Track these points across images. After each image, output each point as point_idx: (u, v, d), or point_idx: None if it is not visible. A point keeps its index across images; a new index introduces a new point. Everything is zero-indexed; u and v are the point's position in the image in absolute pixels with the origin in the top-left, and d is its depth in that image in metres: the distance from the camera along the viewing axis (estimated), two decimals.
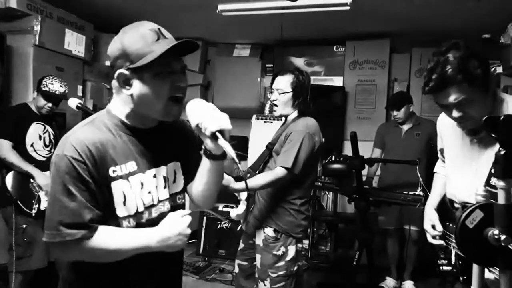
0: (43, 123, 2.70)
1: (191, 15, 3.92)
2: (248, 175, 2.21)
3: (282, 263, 2.06)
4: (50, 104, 2.66)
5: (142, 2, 3.64)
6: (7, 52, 3.12)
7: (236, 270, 2.31)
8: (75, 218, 1.01)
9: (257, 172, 2.22)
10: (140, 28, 1.08)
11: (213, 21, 4.04)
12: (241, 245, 2.30)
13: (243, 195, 2.16)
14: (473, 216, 1.10)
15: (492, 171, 1.28)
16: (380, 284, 3.49)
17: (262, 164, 2.21)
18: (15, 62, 3.17)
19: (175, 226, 1.07)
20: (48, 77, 2.68)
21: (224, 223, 3.94)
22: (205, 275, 3.52)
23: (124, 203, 1.09)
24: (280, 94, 2.13)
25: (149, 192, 1.15)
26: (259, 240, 2.13)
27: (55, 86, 2.65)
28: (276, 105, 2.17)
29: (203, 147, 1.16)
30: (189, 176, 1.28)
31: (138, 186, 1.12)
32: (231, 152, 1.06)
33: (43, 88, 2.62)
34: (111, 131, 1.11)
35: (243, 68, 4.77)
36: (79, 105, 2.34)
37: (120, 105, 1.14)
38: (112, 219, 1.08)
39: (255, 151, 3.95)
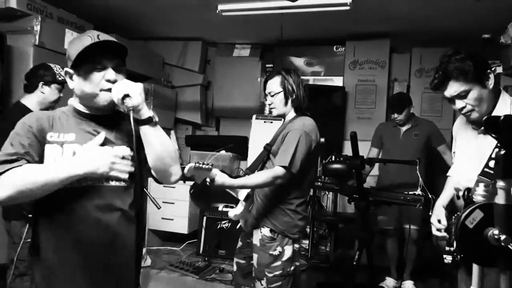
0: None
1: (191, 15, 3.92)
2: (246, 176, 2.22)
3: (278, 263, 2.06)
4: (61, 95, 2.55)
5: (142, 2, 3.64)
6: (7, 52, 3.12)
7: (235, 268, 2.32)
8: (7, 157, 1.22)
9: (255, 172, 2.22)
10: (82, 35, 1.32)
11: (213, 21, 4.04)
12: (239, 244, 2.31)
13: (242, 195, 2.17)
14: (473, 216, 1.10)
15: (493, 155, 1.42)
16: (380, 284, 3.49)
17: (260, 165, 2.21)
18: (15, 62, 3.17)
19: (98, 152, 1.24)
20: (53, 67, 2.55)
21: (224, 223, 3.94)
22: (205, 275, 3.52)
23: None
24: (272, 96, 2.18)
25: None
26: (256, 240, 2.13)
27: (63, 71, 2.57)
28: (272, 108, 2.21)
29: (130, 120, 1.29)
30: (144, 161, 1.37)
31: (70, 154, 1.28)
32: (129, 103, 1.23)
33: (59, 78, 2.49)
34: (62, 113, 1.36)
35: (243, 68, 4.77)
36: None
37: (73, 97, 1.39)
38: None
39: (255, 151, 3.95)
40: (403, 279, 3.47)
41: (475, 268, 1.16)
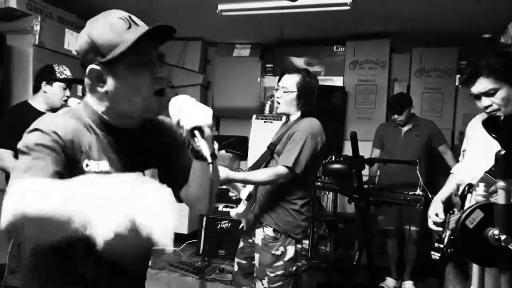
0: None
1: (191, 15, 3.92)
2: None
3: (280, 263, 2.06)
4: (68, 93, 2.53)
5: (142, 2, 3.64)
6: (7, 52, 3.13)
7: (236, 268, 2.31)
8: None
9: None
10: (109, 17, 0.98)
11: (213, 21, 4.04)
12: (241, 244, 2.30)
13: (244, 195, 2.16)
14: (473, 216, 1.10)
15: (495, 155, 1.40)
16: (380, 284, 3.49)
17: (263, 164, 2.20)
18: (15, 62, 3.17)
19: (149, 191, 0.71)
20: (55, 66, 2.54)
21: (224, 223, 3.94)
22: (205, 275, 3.52)
23: None
24: (284, 92, 2.13)
25: None
26: (258, 239, 2.12)
27: (68, 71, 2.55)
28: (279, 102, 2.16)
29: (190, 147, 1.05)
30: (171, 181, 1.16)
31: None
32: (205, 151, 0.92)
33: (60, 77, 2.49)
34: (86, 126, 1.01)
35: (243, 68, 4.77)
36: None
37: (95, 101, 1.03)
38: None
39: (255, 151, 3.95)
40: (403, 279, 3.47)
41: (475, 268, 1.16)
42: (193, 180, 1.13)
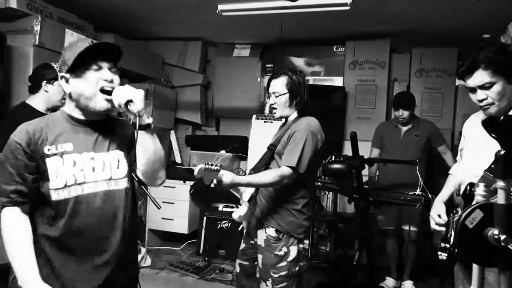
0: None
1: (191, 15, 3.92)
2: None
3: (284, 263, 2.06)
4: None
5: (142, 2, 3.64)
6: (7, 52, 3.12)
7: (237, 269, 2.31)
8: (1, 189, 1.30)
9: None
10: (77, 42, 1.38)
11: (213, 21, 4.04)
12: (242, 245, 2.30)
13: (245, 196, 2.16)
14: (473, 216, 1.10)
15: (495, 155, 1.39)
16: (380, 284, 3.49)
17: (264, 165, 2.20)
18: (15, 62, 3.16)
19: None
20: (55, 65, 2.42)
21: (224, 223, 3.95)
22: (205, 275, 3.52)
23: (56, 177, 1.30)
24: (277, 97, 2.14)
25: (81, 170, 1.33)
26: (260, 240, 2.12)
27: None
28: (275, 108, 2.17)
29: (130, 122, 1.37)
30: (130, 161, 1.44)
31: (70, 164, 1.32)
32: (135, 107, 1.29)
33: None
34: (56, 122, 1.38)
35: (243, 68, 4.77)
36: None
37: (68, 104, 1.40)
38: (47, 191, 1.30)
39: (255, 151, 3.96)
40: (403, 279, 3.47)
41: (475, 268, 1.16)
42: (139, 153, 1.37)
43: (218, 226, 3.95)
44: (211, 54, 5.06)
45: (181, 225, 4.09)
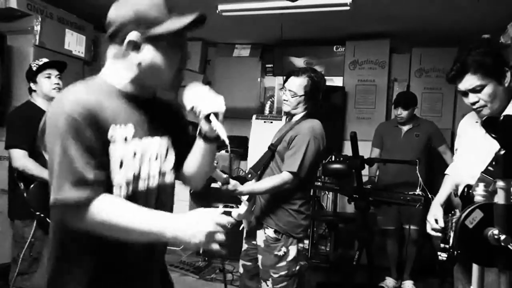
0: None
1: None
2: (250, 176, 2.21)
3: (283, 263, 2.06)
4: (56, 80, 2.48)
5: None
6: (7, 52, 3.13)
7: (241, 270, 2.31)
8: (77, 176, 0.93)
9: (258, 172, 2.22)
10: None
11: (213, 21, 4.04)
12: (245, 246, 2.30)
13: (244, 196, 2.17)
14: (473, 216, 1.10)
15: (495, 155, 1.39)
16: (380, 284, 3.49)
17: (263, 165, 2.21)
18: (15, 62, 3.17)
19: (199, 216, 0.96)
20: (32, 63, 2.54)
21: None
22: (205, 275, 3.52)
23: (120, 169, 1.02)
24: (292, 97, 2.12)
25: (139, 161, 1.08)
26: (260, 241, 2.13)
27: (44, 60, 2.53)
28: (286, 104, 2.16)
29: (198, 129, 1.18)
30: (179, 156, 1.23)
31: (131, 153, 1.05)
32: (222, 134, 1.09)
33: (36, 68, 2.47)
34: (109, 95, 1.06)
35: (243, 68, 4.77)
36: None
37: (118, 73, 1.08)
38: (108, 186, 1.00)
39: (255, 151, 3.95)
40: (403, 279, 3.47)
41: (475, 268, 1.16)
42: (194, 158, 1.24)
43: None
44: (211, 54, 5.05)
45: None
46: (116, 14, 1.05)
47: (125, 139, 1.04)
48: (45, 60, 2.55)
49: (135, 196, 1.06)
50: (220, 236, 0.96)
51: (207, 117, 1.10)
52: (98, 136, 0.97)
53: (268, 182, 2.04)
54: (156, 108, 1.16)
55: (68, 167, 0.93)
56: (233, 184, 1.95)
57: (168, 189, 1.19)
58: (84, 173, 0.93)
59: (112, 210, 0.96)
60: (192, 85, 1.14)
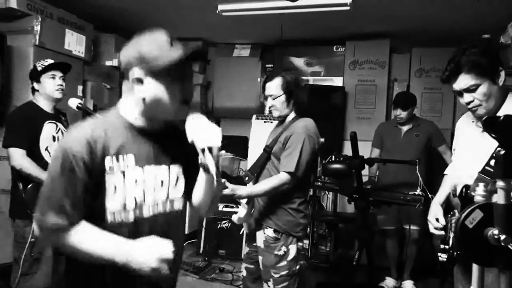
0: (54, 121, 2.51)
1: (191, 15, 3.92)
2: (247, 178, 2.22)
3: (284, 263, 2.06)
4: (60, 81, 2.50)
5: (142, 2, 3.64)
6: (7, 52, 3.12)
7: (244, 273, 2.32)
8: (57, 206, 1.07)
9: (255, 174, 2.22)
10: (156, 37, 1.15)
11: (213, 21, 4.04)
12: (246, 249, 2.31)
13: (244, 199, 2.17)
14: (473, 216, 1.10)
15: (494, 155, 1.40)
16: (380, 284, 3.49)
17: (260, 167, 2.21)
18: (15, 62, 3.17)
19: (146, 250, 1.05)
20: (37, 63, 2.54)
21: (224, 223, 3.94)
22: (205, 275, 3.52)
23: (114, 196, 1.12)
24: (273, 99, 2.15)
25: (143, 190, 1.17)
26: (260, 242, 2.13)
27: (50, 61, 2.53)
28: (273, 110, 2.19)
29: (199, 160, 1.19)
30: (189, 183, 1.31)
31: (132, 182, 1.14)
32: (212, 169, 1.14)
33: (41, 68, 2.47)
34: (118, 128, 1.16)
35: (243, 68, 4.77)
36: (79, 105, 2.32)
37: (129, 107, 1.18)
38: (101, 211, 1.11)
39: (255, 151, 3.95)
40: (403, 279, 3.47)
41: (475, 268, 1.16)
42: (198, 189, 1.29)
43: (218, 226, 3.95)
44: (211, 54, 5.06)
45: None
46: (124, 54, 1.17)
47: (123, 170, 1.13)
48: (50, 61, 2.55)
49: (140, 222, 1.16)
50: (164, 271, 1.05)
51: (202, 151, 1.13)
52: (94, 166, 1.08)
53: (266, 184, 2.05)
54: (166, 138, 1.23)
55: (52, 196, 1.09)
56: (231, 188, 1.95)
57: (177, 215, 1.27)
58: (64, 204, 1.07)
59: (80, 237, 1.09)
60: (193, 116, 1.16)
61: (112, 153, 1.12)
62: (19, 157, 2.33)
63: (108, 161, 1.11)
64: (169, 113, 1.16)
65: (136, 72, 1.12)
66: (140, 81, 1.13)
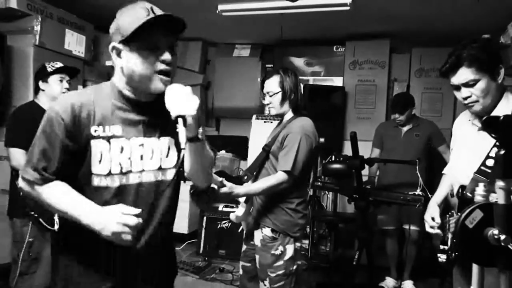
0: None
1: (191, 15, 3.92)
2: (246, 177, 2.22)
3: (280, 262, 2.06)
4: (67, 85, 2.52)
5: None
6: (7, 52, 3.12)
7: (241, 272, 2.32)
8: (33, 163, 1.17)
9: (254, 173, 2.23)
10: (134, 6, 1.18)
11: (213, 21, 4.04)
12: (244, 247, 2.31)
13: (242, 198, 2.17)
14: (473, 216, 1.10)
15: (491, 154, 1.45)
16: (380, 284, 3.49)
17: (259, 166, 2.22)
18: (15, 62, 3.17)
19: (110, 214, 1.10)
20: (46, 63, 2.55)
21: (224, 223, 3.94)
22: (205, 275, 3.52)
23: (100, 162, 1.17)
24: (271, 96, 2.17)
25: (129, 158, 1.21)
26: (257, 241, 2.13)
27: (59, 64, 2.55)
28: (271, 107, 2.21)
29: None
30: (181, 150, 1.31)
31: (117, 150, 1.19)
32: (182, 138, 1.11)
33: (51, 70, 2.49)
34: (107, 97, 1.22)
35: (243, 68, 4.77)
36: None
37: (118, 78, 1.23)
38: (87, 175, 1.18)
39: (255, 151, 3.95)
40: (403, 279, 3.47)
41: (475, 268, 1.16)
42: (187, 158, 1.28)
43: (218, 226, 3.95)
44: (211, 54, 5.06)
45: (181, 225, 4.09)
46: (110, 30, 1.22)
47: (109, 138, 1.18)
48: (60, 64, 2.56)
49: (125, 188, 1.21)
50: (127, 236, 1.09)
51: (175, 119, 1.13)
52: (76, 130, 1.15)
53: (264, 182, 2.05)
54: (157, 110, 1.22)
55: (32, 154, 1.18)
56: (229, 186, 1.95)
57: (169, 184, 1.28)
58: (39, 162, 1.16)
59: (51, 192, 1.17)
60: (172, 86, 1.18)
61: (98, 122, 1.17)
62: (19, 157, 2.33)
63: (93, 129, 1.17)
64: (145, 83, 1.18)
65: (114, 43, 1.17)
66: (118, 51, 1.18)
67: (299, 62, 4.73)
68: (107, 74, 4.03)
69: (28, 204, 2.28)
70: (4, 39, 3.08)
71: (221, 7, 3.51)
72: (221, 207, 3.98)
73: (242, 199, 2.18)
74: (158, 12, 1.17)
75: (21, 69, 3.13)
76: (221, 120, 5.13)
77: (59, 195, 1.17)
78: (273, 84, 2.17)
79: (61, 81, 2.52)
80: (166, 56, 1.17)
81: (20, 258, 2.38)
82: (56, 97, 2.48)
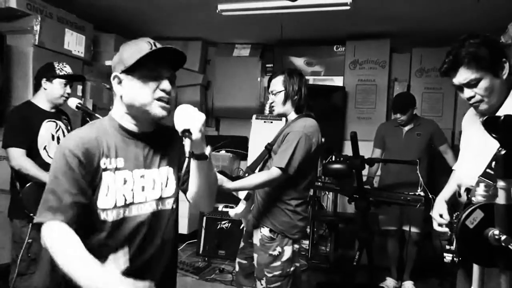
0: (54, 120, 2.49)
1: (191, 15, 3.92)
2: (246, 175, 2.21)
3: (278, 263, 2.06)
4: (69, 90, 2.50)
5: (142, 2, 3.64)
6: (7, 52, 3.12)
7: (237, 268, 2.32)
8: (49, 204, 1.12)
9: (256, 171, 2.22)
10: (138, 41, 1.23)
11: (213, 21, 4.04)
12: (242, 244, 2.31)
13: (242, 195, 2.16)
14: (473, 216, 1.09)
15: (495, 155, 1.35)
16: (380, 284, 3.49)
17: (261, 164, 2.21)
18: (15, 62, 3.17)
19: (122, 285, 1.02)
20: (55, 63, 2.53)
21: (224, 223, 3.94)
22: (205, 275, 3.52)
23: (106, 195, 1.18)
24: (274, 94, 2.17)
25: (131, 190, 1.22)
26: (256, 240, 2.13)
27: (69, 68, 2.53)
28: (273, 106, 2.21)
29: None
30: (184, 182, 1.34)
31: (121, 182, 1.21)
32: (186, 148, 1.12)
33: (60, 73, 2.47)
34: (107, 131, 1.24)
35: (243, 68, 4.77)
36: (79, 105, 2.32)
37: (117, 109, 1.26)
38: (93, 209, 1.16)
39: (255, 151, 3.95)
40: (403, 279, 3.46)
41: (475, 268, 1.15)
42: (192, 179, 1.28)
43: (218, 226, 3.95)
44: (211, 54, 5.06)
45: (181, 225, 4.03)
46: (112, 62, 1.27)
47: (114, 170, 1.20)
48: (69, 69, 2.54)
49: (125, 220, 1.20)
50: None
51: (182, 135, 1.14)
52: (90, 167, 1.16)
53: (256, 178, 2.04)
54: (157, 140, 1.29)
55: (47, 195, 1.14)
56: (218, 179, 1.91)
57: (167, 214, 1.30)
58: (64, 201, 1.11)
59: (59, 245, 1.09)
60: (180, 107, 1.18)
61: (105, 155, 1.19)
62: (18, 157, 2.33)
63: (103, 163, 1.19)
64: (145, 110, 1.20)
65: (116, 73, 1.22)
66: (119, 80, 1.21)
67: (299, 62, 4.73)
68: (106, 74, 4.04)
69: (25, 205, 2.28)
70: (4, 39, 3.07)
71: (221, 6, 3.51)
72: (221, 207, 3.97)
73: (242, 196, 2.17)
74: (158, 44, 1.22)
75: (21, 69, 3.13)
76: (221, 120, 5.13)
77: (66, 252, 1.08)
78: (277, 83, 2.18)
79: (65, 85, 2.51)
80: (166, 85, 1.20)
81: (19, 259, 2.37)
82: (55, 99, 2.48)
